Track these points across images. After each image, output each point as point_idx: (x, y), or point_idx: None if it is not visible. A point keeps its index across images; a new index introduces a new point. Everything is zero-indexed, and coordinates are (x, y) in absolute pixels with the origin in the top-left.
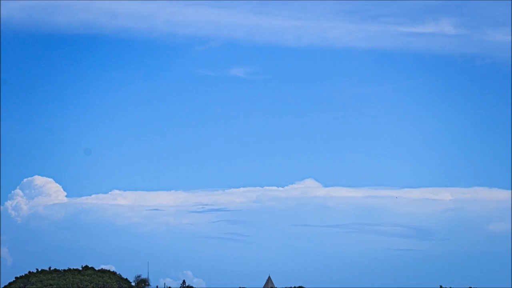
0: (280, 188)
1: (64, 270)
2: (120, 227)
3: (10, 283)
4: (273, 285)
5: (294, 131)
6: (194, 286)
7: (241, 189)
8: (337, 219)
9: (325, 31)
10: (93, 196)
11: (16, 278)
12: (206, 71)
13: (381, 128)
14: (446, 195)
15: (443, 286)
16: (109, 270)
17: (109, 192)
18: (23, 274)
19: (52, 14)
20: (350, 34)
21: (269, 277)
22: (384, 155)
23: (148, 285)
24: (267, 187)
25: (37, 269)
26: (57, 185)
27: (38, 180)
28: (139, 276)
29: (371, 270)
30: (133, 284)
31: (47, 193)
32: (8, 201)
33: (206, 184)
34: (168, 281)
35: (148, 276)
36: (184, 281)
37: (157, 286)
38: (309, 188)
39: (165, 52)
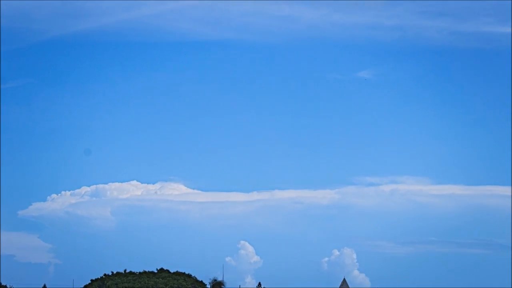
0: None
1: (139, 272)
2: (191, 227)
3: (85, 286)
4: (348, 286)
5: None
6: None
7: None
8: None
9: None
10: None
11: (91, 280)
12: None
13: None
14: None
15: None
16: (184, 273)
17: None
18: (99, 277)
19: (52, 14)
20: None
21: (344, 279)
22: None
23: (223, 286)
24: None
25: (112, 272)
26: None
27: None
28: (215, 280)
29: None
30: (208, 286)
31: (112, 193)
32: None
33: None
34: (244, 283)
35: (223, 278)
36: (259, 284)
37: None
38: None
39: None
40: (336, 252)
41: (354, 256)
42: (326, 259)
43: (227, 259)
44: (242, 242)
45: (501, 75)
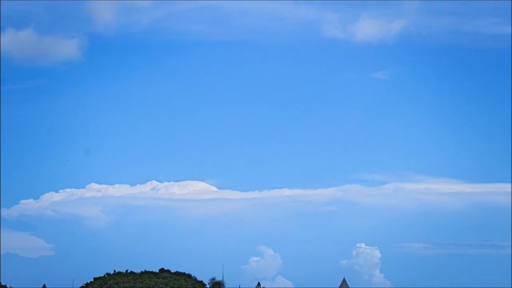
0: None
1: (141, 272)
2: (189, 227)
3: (87, 284)
4: (348, 286)
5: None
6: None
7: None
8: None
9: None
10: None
11: (94, 278)
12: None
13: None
14: None
15: None
16: (184, 273)
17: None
18: (101, 276)
19: (53, 16)
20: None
21: (343, 279)
22: None
23: (223, 286)
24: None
25: (114, 271)
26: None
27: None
28: (213, 279)
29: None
30: (208, 286)
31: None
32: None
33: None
34: (243, 283)
35: (223, 278)
36: (258, 283)
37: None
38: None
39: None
40: (354, 251)
41: (377, 255)
42: (345, 261)
43: (251, 259)
44: (259, 246)
45: (502, 76)
